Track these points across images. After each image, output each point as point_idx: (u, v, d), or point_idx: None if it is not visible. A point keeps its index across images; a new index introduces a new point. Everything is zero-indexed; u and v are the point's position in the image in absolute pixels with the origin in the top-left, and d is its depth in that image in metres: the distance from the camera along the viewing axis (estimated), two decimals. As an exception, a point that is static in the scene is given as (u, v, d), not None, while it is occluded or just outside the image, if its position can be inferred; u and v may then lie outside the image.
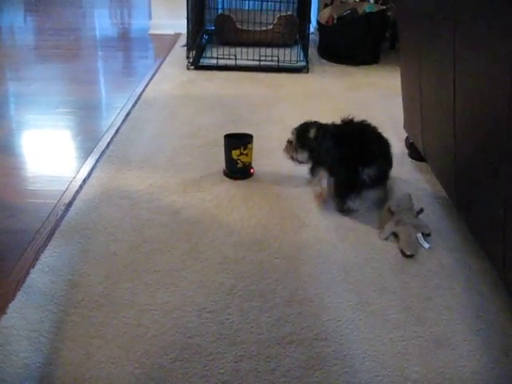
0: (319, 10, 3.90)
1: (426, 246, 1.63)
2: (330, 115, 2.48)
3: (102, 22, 5.19)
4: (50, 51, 3.86)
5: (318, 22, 3.64)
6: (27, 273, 1.46)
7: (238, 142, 1.96)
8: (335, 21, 3.51)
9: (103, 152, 2.17)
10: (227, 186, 1.94)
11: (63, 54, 3.78)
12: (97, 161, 2.10)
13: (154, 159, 2.13)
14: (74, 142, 2.36)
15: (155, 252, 1.56)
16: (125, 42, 4.39)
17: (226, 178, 1.99)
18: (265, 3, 3.99)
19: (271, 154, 2.20)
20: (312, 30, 3.77)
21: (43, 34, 4.51)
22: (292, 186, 1.96)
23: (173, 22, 4.15)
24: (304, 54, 3.45)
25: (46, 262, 1.50)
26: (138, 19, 5.08)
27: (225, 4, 3.92)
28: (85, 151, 2.19)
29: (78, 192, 1.86)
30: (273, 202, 1.85)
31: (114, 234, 1.64)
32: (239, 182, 1.97)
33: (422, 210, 1.76)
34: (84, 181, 1.94)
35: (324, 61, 3.60)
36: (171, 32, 4.25)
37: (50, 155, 2.21)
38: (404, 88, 2.15)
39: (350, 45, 3.49)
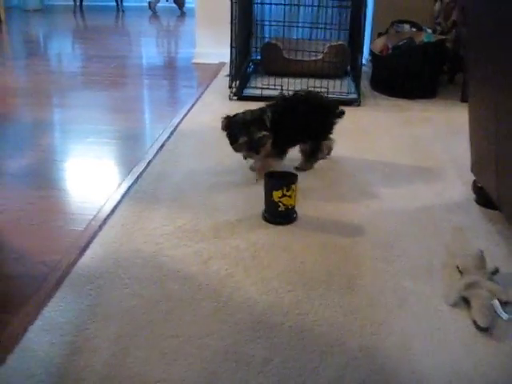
0: (372, 40, 3.65)
1: (505, 316, 1.33)
2: (383, 152, 2.23)
3: (148, 51, 5.10)
4: (93, 78, 3.75)
5: (372, 52, 3.39)
6: (25, 330, 1.23)
7: (280, 182, 1.71)
8: (390, 51, 3.26)
9: (130, 187, 1.96)
10: (266, 233, 1.69)
11: (106, 81, 3.65)
12: (122, 197, 1.89)
13: (186, 198, 1.90)
14: (99, 176, 2.16)
15: (176, 311, 1.32)
16: (168, 71, 4.26)
17: (266, 223, 1.74)
18: (314, 31, 3.80)
19: (316, 194, 1.95)
20: (364, 61, 3.52)
21: (89, 60, 4.43)
22: (340, 235, 1.69)
23: (217, 50, 3.98)
24: (355, 86, 3.21)
25: (48, 318, 1.28)
26: (184, 48, 4.96)
27: (272, 32, 3.72)
28: (110, 186, 1.99)
29: (96, 233, 1.65)
30: (318, 253, 1.58)
31: (131, 287, 1.40)
32: (280, 228, 1.71)
33: (497, 271, 1.47)
34: (105, 220, 1.72)
35: (377, 94, 3.34)
36: (215, 61, 4.08)
37: (73, 189, 2.02)
38: (473, 126, 1.86)
39: (405, 77, 3.22)
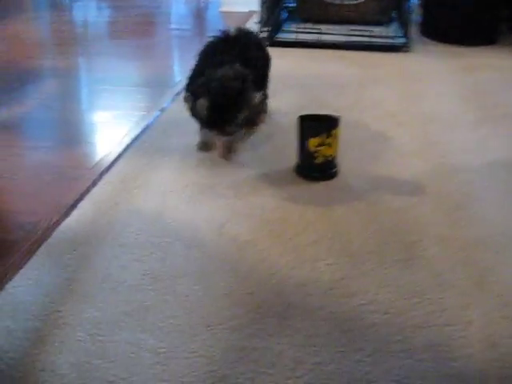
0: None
1: None
2: (441, 100, 1.84)
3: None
4: (115, 27, 3.42)
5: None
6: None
7: (318, 126, 1.36)
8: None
9: (137, 138, 1.64)
10: (299, 191, 1.34)
11: (129, 29, 3.31)
12: (125, 149, 1.56)
13: (201, 149, 1.56)
14: (102, 125, 1.84)
15: (178, 291, 0.99)
16: (194, 20, 3.90)
17: (299, 179, 1.39)
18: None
19: (361, 146, 1.58)
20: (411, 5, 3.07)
21: (120, 11, 4.08)
22: (393, 194, 1.34)
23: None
24: (403, 31, 2.79)
25: (11, 296, 0.98)
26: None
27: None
28: (114, 136, 1.67)
29: (88, 190, 1.33)
30: (365, 216, 1.23)
31: (121, 257, 1.08)
32: (317, 185, 1.37)
33: None
34: (101, 175, 1.40)
35: (427, 40, 2.91)
36: (245, 9, 3.69)
37: (69, 141, 1.70)
38: None
39: (460, 19, 2.79)
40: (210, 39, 1.54)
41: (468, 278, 1.03)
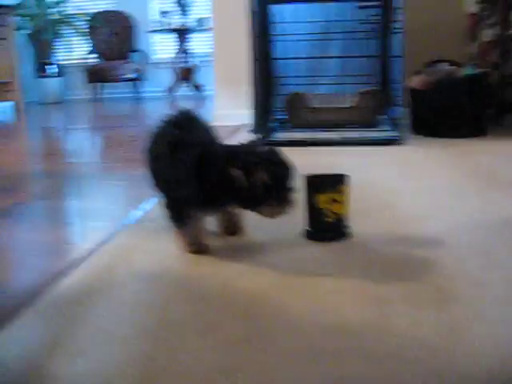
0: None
1: None
2: (439, 176, 1.76)
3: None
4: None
5: (411, 90, 3.05)
6: None
7: (325, 181, 1.29)
8: (430, 86, 2.92)
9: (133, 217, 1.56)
10: (310, 252, 1.24)
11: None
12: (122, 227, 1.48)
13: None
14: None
15: (176, 342, 0.86)
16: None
17: (310, 242, 1.30)
18: (341, 86, 3.50)
19: (366, 215, 1.51)
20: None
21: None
22: (412, 248, 1.24)
23: (236, 111, 3.69)
24: (395, 127, 2.83)
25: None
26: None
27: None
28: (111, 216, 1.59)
29: (83, 259, 1.22)
30: (389, 269, 1.13)
31: (117, 314, 0.96)
32: (331, 246, 1.27)
33: None
34: (98, 246, 1.30)
35: (419, 136, 2.95)
36: (235, 123, 3.78)
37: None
38: None
39: (451, 113, 2.85)
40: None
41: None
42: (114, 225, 1.48)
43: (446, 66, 3.17)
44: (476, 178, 1.91)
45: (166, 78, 6.88)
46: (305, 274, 1.10)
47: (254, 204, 1.19)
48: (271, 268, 1.14)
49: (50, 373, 0.78)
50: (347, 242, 1.28)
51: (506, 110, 3.38)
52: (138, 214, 1.57)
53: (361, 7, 3.11)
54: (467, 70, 2.94)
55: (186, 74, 6.83)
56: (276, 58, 3.52)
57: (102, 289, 1.05)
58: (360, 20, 3.25)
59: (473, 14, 3.44)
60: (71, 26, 6.80)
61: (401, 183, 1.86)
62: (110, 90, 6.97)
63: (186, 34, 6.63)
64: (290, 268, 1.14)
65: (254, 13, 2.88)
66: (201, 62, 6.66)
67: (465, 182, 1.84)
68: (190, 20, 6.63)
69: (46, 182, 2.26)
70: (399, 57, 2.74)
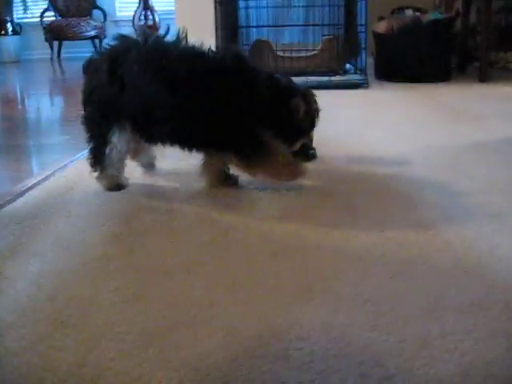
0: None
1: None
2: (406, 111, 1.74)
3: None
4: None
5: (375, 34, 3.02)
6: None
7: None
8: (395, 31, 2.89)
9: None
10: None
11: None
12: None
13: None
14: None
15: (135, 246, 0.83)
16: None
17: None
18: (305, 35, 3.45)
19: (337, 140, 1.49)
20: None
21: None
22: (376, 167, 1.22)
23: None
24: (360, 73, 2.81)
25: None
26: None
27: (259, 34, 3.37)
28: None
29: (39, 183, 1.17)
30: (353, 188, 1.11)
31: (76, 224, 0.92)
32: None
33: None
34: (54, 172, 1.25)
35: (384, 81, 2.93)
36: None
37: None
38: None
39: (414, 58, 2.84)
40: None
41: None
42: (72, 156, 1.43)
43: (411, 12, 3.16)
44: (440, 113, 1.91)
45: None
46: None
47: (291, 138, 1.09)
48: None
49: (6, 273, 0.74)
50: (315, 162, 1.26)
51: (469, 59, 3.39)
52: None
53: None
54: (432, 15, 2.92)
55: (148, 32, 6.65)
56: (239, 8, 3.45)
57: (58, 204, 1.01)
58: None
59: (438, -38, 3.41)
60: (27, -19, 6.53)
61: (369, 118, 1.85)
62: (70, 49, 6.75)
63: (148, -11, 6.44)
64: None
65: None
66: (163, 19, 6.49)
67: (430, 117, 1.84)
68: (152, -25, 6.44)
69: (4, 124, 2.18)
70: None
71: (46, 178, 1.19)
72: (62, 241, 0.84)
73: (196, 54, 1.05)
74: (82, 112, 1.10)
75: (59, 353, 0.57)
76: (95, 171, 1.09)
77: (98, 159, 1.08)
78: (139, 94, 1.02)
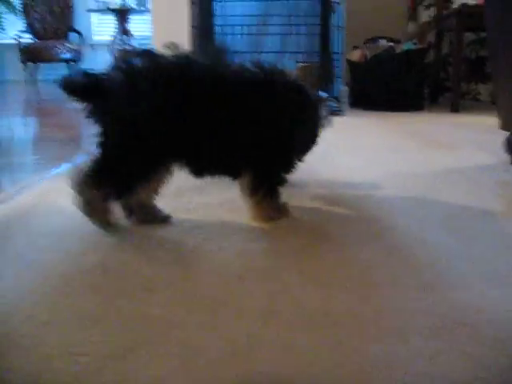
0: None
1: None
2: (379, 138, 1.76)
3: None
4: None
5: (349, 62, 3.06)
6: None
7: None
8: (368, 60, 2.94)
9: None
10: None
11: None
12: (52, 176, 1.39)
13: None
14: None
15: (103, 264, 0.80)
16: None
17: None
18: (281, 61, 3.48)
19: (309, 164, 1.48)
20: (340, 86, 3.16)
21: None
22: (347, 189, 1.22)
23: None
24: (334, 101, 2.84)
25: None
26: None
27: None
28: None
29: (2, 200, 1.14)
30: (322, 211, 1.10)
31: (37, 243, 0.88)
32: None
33: None
34: (20, 190, 1.22)
35: (358, 110, 2.97)
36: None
37: None
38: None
39: (387, 87, 2.88)
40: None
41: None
42: (40, 176, 1.40)
43: (385, 42, 3.22)
44: (413, 140, 1.93)
45: (104, 60, 6.69)
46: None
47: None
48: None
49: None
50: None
51: (441, 89, 3.46)
52: (64, 166, 1.49)
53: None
54: (405, 46, 2.98)
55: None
56: (215, 33, 3.47)
57: (20, 223, 0.98)
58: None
59: (412, -6, 3.50)
60: (4, 2, 6.50)
61: (342, 144, 1.85)
62: (45, 71, 6.71)
63: (126, 14, 6.46)
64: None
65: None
66: (140, 44, 6.51)
67: (403, 143, 1.86)
68: (131, 1, 6.47)
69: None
70: (339, 28, 2.73)
71: (11, 196, 1.16)
72: (21, 259, 0.81)
73: (253, 81, 0.95)
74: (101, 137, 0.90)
75: (10, 374, 0.54)
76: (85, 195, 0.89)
77: (112, 187, 0.90)
78: (200, 126, 0.89)
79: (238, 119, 0.91)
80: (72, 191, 0.90)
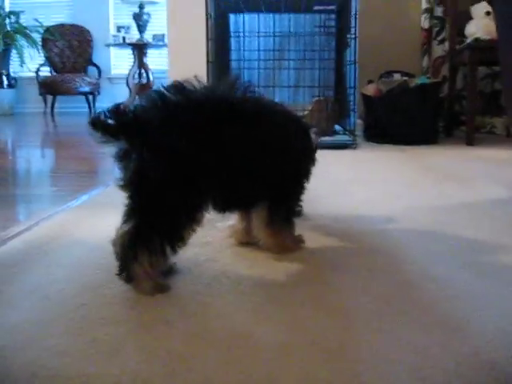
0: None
1: None
2: (392, 172, 1.76)
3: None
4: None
5: (364, 96, 3.09)
6: None
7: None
8: (383, 94, 2.96)
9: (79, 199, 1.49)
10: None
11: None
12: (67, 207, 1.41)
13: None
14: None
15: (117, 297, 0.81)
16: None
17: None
18: (296, 95, 3.52)
19: (325, 198, 1.49)
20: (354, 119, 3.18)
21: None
22: (363, 225, 1.22)
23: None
24: (349, 135, 2.86)
25: None
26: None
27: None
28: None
29: (20, 233, 1.15)
30: (338, 244, 1.10)
31: (56, 274, 0.89)
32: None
33: None
34: (38, 222, 1.23)
35: (372, 143, 2.97)
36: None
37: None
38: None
39: (402, 121, 2.89)
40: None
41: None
42: (58, 207, 1.41)
43: (399, 77, 3.24)
44: (428, 173, 1.93)
45: (121, 93, 6.80)
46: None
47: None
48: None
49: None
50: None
51: (456, 123, 3.46)
52: (82, 198, 1.51)
53: (316, 11, 3.15)
54: (420, 80, 3.00)
55: (141, 90, 6.76)
56: (232, 68, 3.53)
57: (39, 254, 0.99)
58: (316, 26, 3.29)
59: (426, 29, 3.53)
60: (25, 37, 6.67)
61: (356, 177, 1.86)
62: (63, 104, 6.83)
63: (143, 49, 6.59)
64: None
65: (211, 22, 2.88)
66: (157, 78, 6.62)
67: (418, 177, 1.86)
68: (147, 36, 6.61)
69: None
70: (354, 63, 2.76)
71: (30, 228, 1.18)
72: (39, 290, 0.82)
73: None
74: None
75: (27, 406, 0.54)
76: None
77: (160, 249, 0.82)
78: (236, 158, 0.87)
79: (266, 150, 0.92)
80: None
